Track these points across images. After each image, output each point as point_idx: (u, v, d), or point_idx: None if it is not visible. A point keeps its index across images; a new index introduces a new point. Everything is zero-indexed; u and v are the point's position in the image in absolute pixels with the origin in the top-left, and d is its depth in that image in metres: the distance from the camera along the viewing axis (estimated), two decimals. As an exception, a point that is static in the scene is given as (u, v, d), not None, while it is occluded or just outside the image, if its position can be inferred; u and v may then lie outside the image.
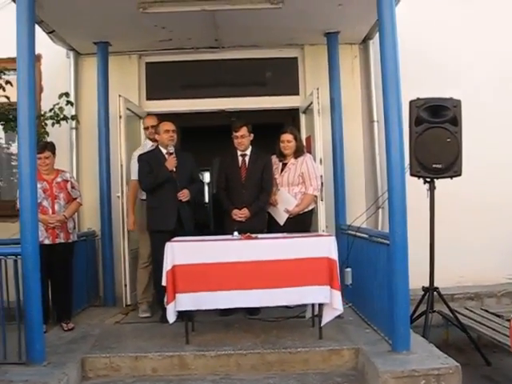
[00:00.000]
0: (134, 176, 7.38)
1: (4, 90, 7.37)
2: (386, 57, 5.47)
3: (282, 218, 7.13)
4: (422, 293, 6.73)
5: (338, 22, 7.75)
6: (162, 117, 7.67)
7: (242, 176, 7.05)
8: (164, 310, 6.03)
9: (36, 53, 5.56)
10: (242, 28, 7.76)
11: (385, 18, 5.50)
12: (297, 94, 8.93)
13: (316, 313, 6.08)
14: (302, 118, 8.73)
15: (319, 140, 7.59)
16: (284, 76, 9.04)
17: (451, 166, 6.45)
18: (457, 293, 8.32)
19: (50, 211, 6.58)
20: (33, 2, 5.42)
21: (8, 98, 7.30)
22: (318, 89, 7.64)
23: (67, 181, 6.79)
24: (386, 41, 5.48)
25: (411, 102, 6.53)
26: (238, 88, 9.02)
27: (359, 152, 8.70)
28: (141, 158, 7.01)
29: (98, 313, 7.53)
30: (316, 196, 7.30)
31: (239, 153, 7.11)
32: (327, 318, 5.86)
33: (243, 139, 7.01)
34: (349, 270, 6.84)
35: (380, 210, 8.34)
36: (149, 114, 7.96)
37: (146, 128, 7.67)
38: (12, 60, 5.57)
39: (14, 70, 5.47)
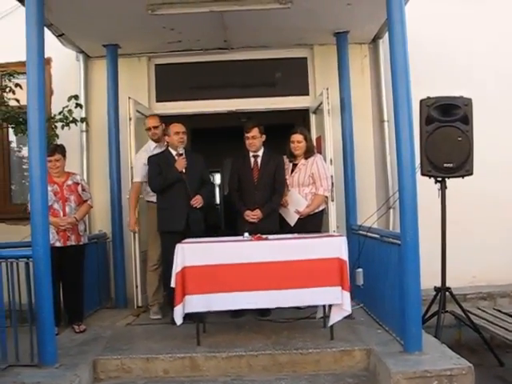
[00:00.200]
0: (137, 178, 7.41)
1: (14, 93, 7.40)
2: (395, 56, 5.45)
3: (292, 218, 7.11)
4: (434, 293, 6.69)
5: (347, 22, 7.72)
6: (172, 118, 7.67)
7: (254, 177, 7.03)
8: (175, 311, 6.03)
9: (46, 56, 5.59)
10: (250, 29, 7.76)
11: (394, 17, 5.48)
12: (307, 94, 8.90)
13: (327, 313, 6.06)
14: (312, 118, 8.72)
15: (329, 140, 7.56)
16: (294, 76, 9.01)
17: (462, 165, 6.41)
18: (469, 293, 8.27)
19: (61, 214, 6.59)
20: (42, 6, 5.44)
21: (18, 101, 7.32)
22: (327, 89, 7.62)
23: (78, 183, 6.80)
24: (395, 40, 5.46)
25: (421, 101, 6.49)
26: (247, 89, 9.01)
27: (369, 152, 8.67)
28: (150, 159, 7.01)
29: (110, 315, 7.54)
30: (326, 196, 7.27)
31: (251, 154, 7.09)
32: (335, 318, 5.84)
33: (254, 140, 6.99)
34: (360, 270, 6.82)
35: (391, 210, 8.31)
36: (150, 115, 7.90)
37: (148, 129, 7.58)
38: (22, 64, 5.60)
39: (24, 73, 5.49)
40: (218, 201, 18.25)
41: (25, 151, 8.93)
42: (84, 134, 8.66)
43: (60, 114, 7.75)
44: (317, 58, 8.80)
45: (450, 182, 6.56)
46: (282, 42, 8.55)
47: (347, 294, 5.72)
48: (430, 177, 6.55)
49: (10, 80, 7.50)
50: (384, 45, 8.47)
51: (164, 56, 8.84)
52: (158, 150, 7.36)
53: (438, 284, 6.63)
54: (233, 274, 5.70)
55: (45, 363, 5.25)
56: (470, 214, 8.43)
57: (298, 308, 6.74)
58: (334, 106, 7.75)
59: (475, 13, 8.81)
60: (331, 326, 5.88)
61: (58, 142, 7.46)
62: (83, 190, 6.84)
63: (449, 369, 4.91)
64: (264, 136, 7.06)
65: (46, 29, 6.41)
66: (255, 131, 6.97)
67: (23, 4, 5.56)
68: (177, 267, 5.72)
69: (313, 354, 5.58)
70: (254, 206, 6.90)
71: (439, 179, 6.57)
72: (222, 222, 16.05)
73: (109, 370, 5.57)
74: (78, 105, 7.93)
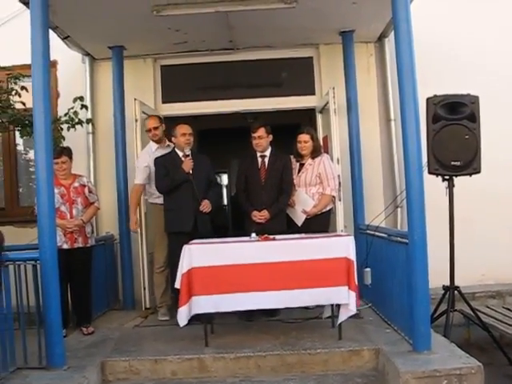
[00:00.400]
0: (137, 180, 7.41)
1: (20, 96, 7.41)
2: (401, 55, 5.44)
3: (299, 218, 7.09)
4: (443, 292, 6.66)
5: (352, 21, 7.70)
6: (178, 120, 7.66)
7: (261, 177, 7.02)
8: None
9: (52, 59, 5.62)
10: (256, 29, 7.74)
11: (400, 15, 5.46)
12: (313, 93, 8.88)
13: (335, 313, 6.04)
14: (319, 118, 8.71)
15: (336, 140, 7.55)
16: (299, 76, 8.99)
17: (470, 163, 6.37)
18: (478, 291, 8.26)
19: (68, 216, 6.61)
20: (46, 8, 5.46)
21: (24, 103, 7.34)
22: (333, 88, 7.61)
23: (84, 185, 6.81)
24: (401, 38, 5.45)
25: (428, 100, 6.46)
26: (253, 89, 9.00)
27: (376, 151, 8.65)
28: (157, 160, 7.00)
29: (118, 316, 7.55)
30: (334, 196, 7.25)
31: (258, 154, 7.07)
32: (342, 317, 5.83)
33: (261, 140, 6.96)
34: (368, 269, 6.79)
35: (399, 209, 8.28)
36: (150, 116, 7.83)
37: (148, 130, 7.53)
38: (28, 67, 5.59)
39: (30, 76, 5.49)
40: (225, 202, 18.23)
41: (32, 154, 8.93)
42: (90, 135, 8.68)
43: (66, 115, 7.76)
44: (323, 58, 8.78)
45: (457, 180, 6.53)
46: (288, 42, 8.53)
47: (353, 294, 5.70)
48: (437, 175, 6.51)
49: (15, 83, 7.52)
50: (390, 43, 8.44)
51: (170, 57, 8.85)
52: (160, 151, 7.33)
53: (447, 283, 6.60)
54: (240, 274, 5.70)
55: (53, 365, 5.26)
56: (477, 212, 8.41)
57: (307, 308, 6.74)
58: (340, 106, 7.74)
59: (482, 11, 8.79)
60: (339, 326, 5.87)
61: (65, 144, 7.48)
62: (90, 192, 6.85)
63: (458, 368, 4.88)
64: (271, 136, 7.04)
65: (51, 31, 6.43)
66: (262, 131, 6.95)
67: (28, 7, 5.56)
68: (183, 268, 5.71)
69: (321, 354, 5.57)
70: (261, 206, 6.88)
71: (446, 177, 6.54)
72: (230, 223, 16.04)
73: (117, 372, 5.57)
74: (83, 106, 7.93)
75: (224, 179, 18.07)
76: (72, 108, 7.76)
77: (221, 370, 5.54)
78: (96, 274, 7.18)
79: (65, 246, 6.52)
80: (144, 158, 7.39)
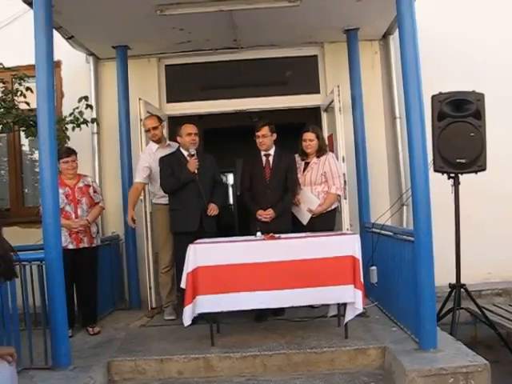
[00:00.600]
0: (137, 178, 7.35)
1: (25, 96, 7.42)
2: (406, 52, 5.43)
3: (304, 217, 7.08)
4: (449, 290, 6.64)
5: (357, 19, 7.68)
6: (183, 119, 7.65)
7: (266, 176, 6.99)
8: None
9: (56, 59, 5.63)
10: (260, 27, 7.73)
11: (404, 12, 5.45)
12: (318, 92, 8.87)
13: (341, 312, 6.03)
14: (324, 117, 8.70)
15: (341, 138, 7.52)
16: (304, 74, 8.99)
17: (475, 161, 6.36)
18: (484, 289, 8.23)
19: (73, 216, 6.61)
20: (50, 8, 5.47)
21: (28, 104, 7.35)
22: (338, 86, 7.58)
23: (89, 185, 6.82)
24: (405, 36, 5.43)
25: (433, 97, 6.45)
26: (258, 88, 8.99)
27: (382, 149, 8.63)
28: (162, 160, 6.99)
29: (124, 316, 7.54)
30: (339, 195, 7.22)
31: (263, 153, 7.05)
32: (348, 316, 5.82)
33: (265, 139, 6.94)
34: (374, 268, 6.78)
35: (404, 207, 8.25)
36: (148, 116, 7.71)
37: (147, 130, 7.46)
38: (32, 67, 5.58)
39: (35, 76, 5.50)
40: (231, 201, 18.25)
41: (37, 154, 8.93)
42: (95, 135, 8.68)
43: (71, 115, 7.76)
44: (327, 56, 8.77)
45: (463, 177, 6.51)
46: (292, 41, 8.51)
47: (359, 293, 5.69)
48: (442, 173, 6.50)
49: (20, 84, 7.53)
50: (395, 41, 8.43)
51: (174, 56, 8.85)
52: (161, 151, 7.29)
53: (453, 281, 6.59)
54: (245, 273, 5.69)
55: (59, 366, 5.28)
56: (483, 210, 8.38)
57: (312, 307, 6.73)
58: (345, 104, 7.72)
59: (487, 7, 8.77)
60: (346, 325, 5.86)
61: (70, 144, 7.50)
62: (94, 191, 6.86)
63: (464, 366, 4.87)
64: (275, 135, 7.01)
65: (55, 31, 6.45)
66: (265, 130, 6.93)
67: (32, 7, 5.56)
68: (188, 267, 5.71)
69: (327, 353, 5.56)
70: (266, 205, 6.86)
71: (452, 175, 6.52)
72: (236, 222, 16.04)
73: (123, 372, 5.57)
74: (88, 105, 7.93)
75: (230, 179, 18.09)
76: (77, 108, 7.77)
77: (227, 369, 5.54)
78: (102, 273, 7.18)
79: (70, 247, 6.52)
80: (144, 158, 7.35)
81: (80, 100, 7.77)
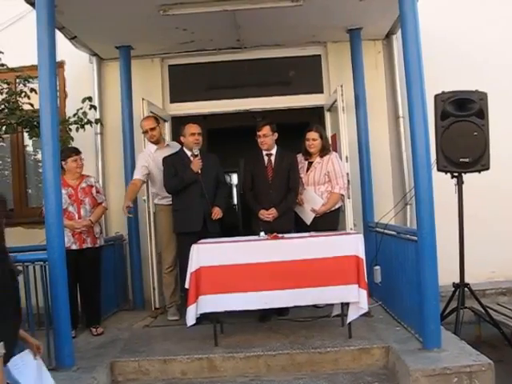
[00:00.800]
0: (135, 175, 7.28)
1: (29, 98, 7.42)
2: (408, 52, 5.43)
3: (308, 217, 7.07)
4: (453, 289, 6.64)
5: (360, 18, 7.67)
6: (187, 119, 7.65)
7: (268, 176, 6.99)
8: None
9: (59, 59, 5.65)
10: (263, 27, 7.73)
11: (407, 12, 5.45)
12: (321, 91, 8.86)
13: (345, 312, 6.02)
14: (327, 116, 8.67)
15: (345, 138, 7.52)
16: (307, 74, 8.98)
17: (479, 160, 6.35)
18: (488, 288, 8.21)
19: (76, 216, 6.62)
20: (52, 8, 5.48)
21: (32, 105, 7.35)
22: (341, 86, 7.58)
23: (92, 186, 6.82)
24: (408, 36, 5.44)
25: (436, 96, 6.45)
26: (261, 88, 8.99)
27: (385, 148, 8.61)
28: (165, 160, 6.98)
29: (128, 317, 7.55)
30: (342, 195, 7.21)
31: (264, 152, 7.04)
32: (352, 316, 5.81)
33: (266, 138, 6.93)
34: (378, 267, 6.78)
35: (408, 207, 8.23)
36: (145, 117, 7.61)
37: (144, 132, 7.40)
38: (35, 67, 5.59)
39: (37, 77, 5.51)
40: (235, 201, 18.24)
41: (40, 155, 8.95)
42: (99, 136, 8.68)
43: (74, 115, 7.77)
44: (330, 56, 8.76)
45: (466, 176, 6.50)
46: (296, 40, 8.51)
47: (364, 292, 5.69)
48: (446, 172, 6.50)
49: (25, 85, 7.53)
50: (398, 40, 8.41)
51: (177, 57, 8.85)
52: (160, 152, 7.26)
53: (457, 280, 6.58)
54: (249, 273, 5.69)
55: (62, 366, 5.27)
56: (487, 209, 8.36)
57: (316, 307, 6.72)
58: (348, 104, 7.71)
59: (490, 6, 8.75)
60: (349, 325, 5.85)
61: (73, 144, 7.50)
62: (97, 192, 6.86)
63: (468, 365, 4.86)
64: (276, 134, 7.00)
65: (58, 32, 6.47)
66: (266, 129, 6.92)
67: (34, 7, 5.57)
68: (191, 267, 5.71)
69: (331, 352, 5.55)
70: (269, 204, 6.85)
71: (455, 174, 6.52)
72: (240, 222, 16.03)
73: (126, 372, 5.58)
74: (92, 106, 7.93)
75: (234, 179, 18.09)
76: (81, 108, 7.78)
77: (230, 369, 5.53)
78: (105, 274, 7.18)
79: (74, 247, 6.53)
80: (143, 157, 7.32)
81: (84, 101, 7.76)
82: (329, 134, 8.27)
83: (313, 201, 7.08)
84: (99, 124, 8.50)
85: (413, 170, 5.48)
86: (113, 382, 5.51)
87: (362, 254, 5.75)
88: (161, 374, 5.56)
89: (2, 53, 7.35)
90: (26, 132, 7.70)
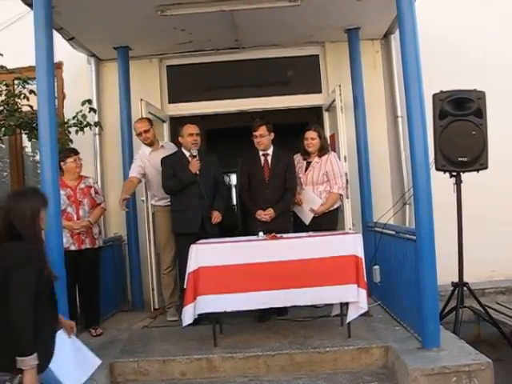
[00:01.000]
0: (131, 173, 7.26)
1: (28, 99, 7.42)
2: (406, 52, 5.42)
3: (307, 217, 7.07)
4: (452, 288, 6.63)
5: (358, 18, 7.67)
6: (185, 119, 7.64)
7: (265, 176, 6.98)
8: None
9: (57, 60, 5.64)
10: (261, 27, 7.73)
11: (404, 12, 5.44)
12: (319, 91, 8.86)
13: (344, 312, 6.01)
14: (326, 116, 8.68)
15: (343, 137, 7.52)
16: (306, 74, 8.98)
17: (477, 159, 6.36)
18: (488, 287, 8.22)
19: (75, 217, 6.61)
20: (50, 9, 5.48)
21: (31, 106, 7.35)
22: (340, 86, 7.59)
23: (90, 187, 6.82)
24: (406, 35, 5.43)
25: (434, 96, 6.45)
26: (260, 88, 9.00)
27: (384, 148, 8.61)
28: (164, 161, 6.97)
29: (127, 318, 7.54)
30: (341, 194, 7.21)
31: (261, 153, 7.04)
32: (352, 315, 5.81)
33: (262, 138, 6.92)
34: (377, 267, 6.78)
35: (407, 206, 8.21)
36: (138, 119, 7.54)
37: (138, 134, 7.33)
38: (33, 68, 5.59)
39: (35, 78, 5.52)
40: (234, 201, 18.23)
41: (38, 156, 8.95)
42: (97, 137, 8.68)
43: (74, 118, 7.77)
44: (329, 55, 8.76)
45: (464, 176, 6.51)
46: (294, 40, 8.51)
47: (363, 292, 5.69)
48: (444, 171, 6.50)
49: (24, 87, 7.53)
50: (396, 40, 8.40)
51: (175, 57, 8.85)
52: (155, 154, 7.24)
53: (456, 279, 6.58)
54: (248, 273, 5.68)
55: (61, 367, 5.25)
56: (486, 208, 8.35)
57: (315, 307, 6.71)
58: (346, 103, 7.71)
59: (488, 5, 8.76)
60: (348, 324, 5.85)
61: (72, 145, 7.49)
62: (96, 193, 6.85)
63: (467, 364, 4.86)
64: (272, 134, 7.00)
65: (56, 33, 6.46)
66: (263, 129, 6.92)
67: (32, 8, 5.57)
68: (190, 268, 5.71)
69: (330, 352, 5.55)
70: (266, 205, 6.85)
71: (454, 174, 6.52)
72: (240, 222, 16.02)
73: (126, 373, 5.58)
74: (91, 109, 7.94)
75: (233, 179, 18.08)
76: (80, 111, 7.78)
77: (230, 369, 5.53)
78: (104, 275, 7.16)
79: (72, 248, 6.52)
80: (139, 158, 7.30)
81: (83, 103, 7.77)
82: (327, 133, 8.27)
83: (311, 201, 7.08)
84: (98, 126, 8.47)
85: (411, 169, 5.46)
86: (112, 383, 5.50)
87: (360, 254, 5.75)
88: (160, 375, 5.56)
89: (2, 55, 7.33)
90: (25, 134, 7.69)
